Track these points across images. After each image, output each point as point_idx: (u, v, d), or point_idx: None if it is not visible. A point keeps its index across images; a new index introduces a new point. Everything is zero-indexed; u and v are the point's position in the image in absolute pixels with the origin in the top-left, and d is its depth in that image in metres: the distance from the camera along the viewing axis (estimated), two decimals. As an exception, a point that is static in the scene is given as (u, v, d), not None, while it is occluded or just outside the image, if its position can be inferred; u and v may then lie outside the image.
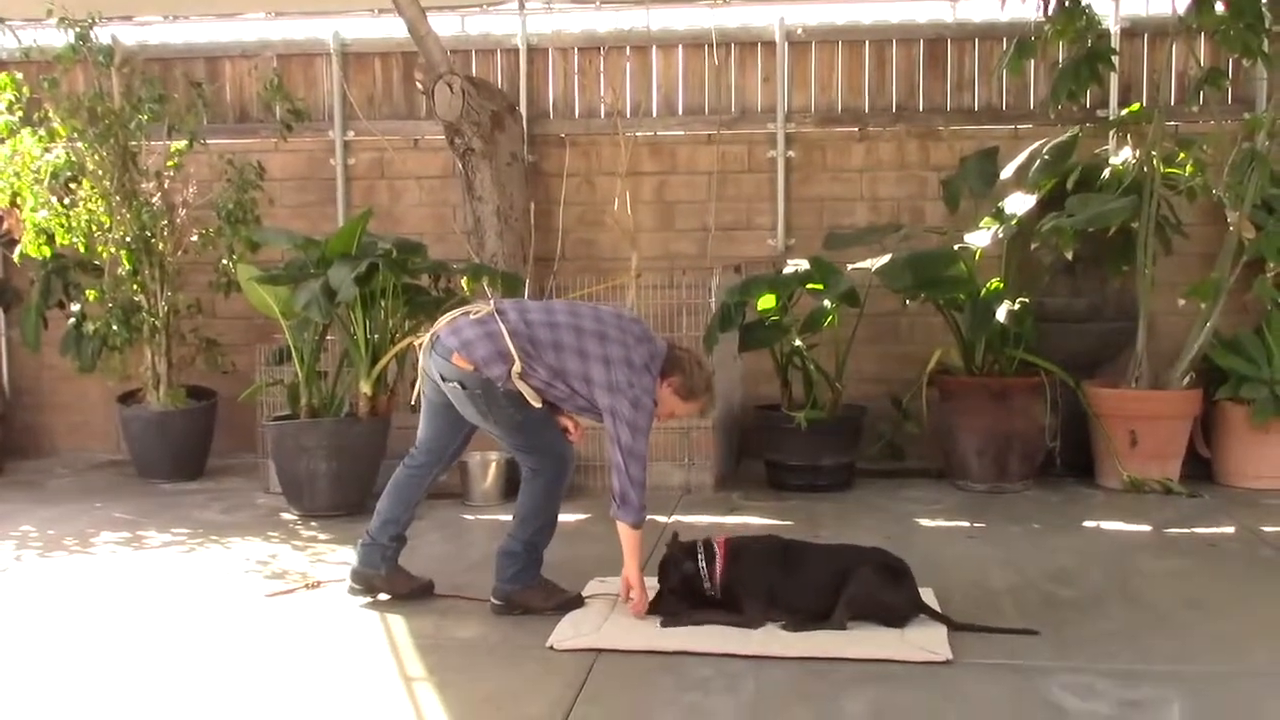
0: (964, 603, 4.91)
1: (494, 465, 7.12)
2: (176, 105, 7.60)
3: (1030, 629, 4.59)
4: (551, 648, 4.52)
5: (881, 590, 4.65)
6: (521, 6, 8.23)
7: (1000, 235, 7.11)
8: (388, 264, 6.46)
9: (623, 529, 4.76)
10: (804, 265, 7.05)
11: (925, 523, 6.53)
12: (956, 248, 7.06)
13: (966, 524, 6.48)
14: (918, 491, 7.23)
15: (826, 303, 7.05)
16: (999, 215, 7.15)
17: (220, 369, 8.05)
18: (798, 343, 7.16)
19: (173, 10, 8.47)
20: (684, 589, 4.79)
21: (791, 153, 8.20)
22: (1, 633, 4.85)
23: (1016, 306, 6.91)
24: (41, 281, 7.82)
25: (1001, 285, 7.15)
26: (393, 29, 8.04)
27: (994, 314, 6.85)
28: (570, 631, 4.66)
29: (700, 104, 8.30)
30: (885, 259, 6.96)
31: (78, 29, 7.44)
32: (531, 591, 4.99)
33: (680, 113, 8.32)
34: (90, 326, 7.59)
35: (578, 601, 5.00)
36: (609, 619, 4.81)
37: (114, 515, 6.91)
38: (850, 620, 4.59)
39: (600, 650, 4.47)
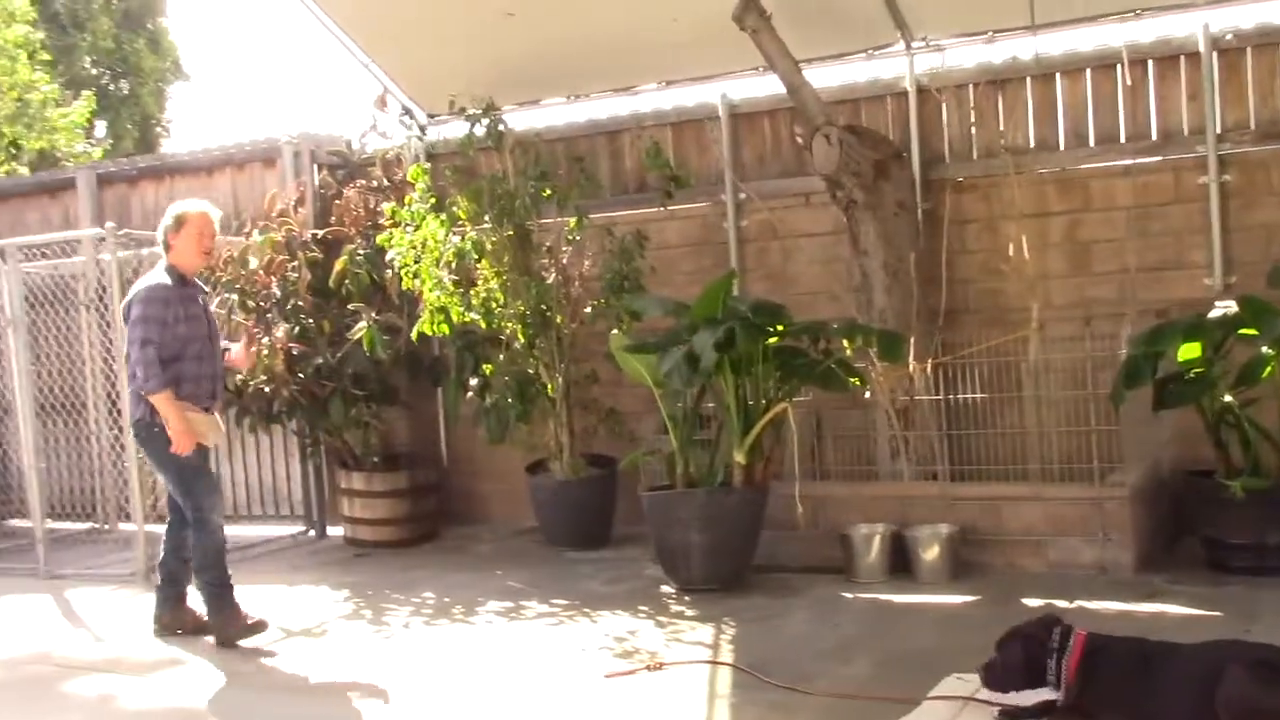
0: None
1: (878, 537, 6.61)
2: (562, 181, 7.80)
3: None
4: (874, 756, 4.02)
5: (1261, 692, 3.72)
6: (908, 47, 7.73)
7: None
8: (743, 328, 6.19)
9: (155, 399, 5.87)
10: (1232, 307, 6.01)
11: (1400, 618, 5.28)
12: None
13: None
14: (1401, 576, 5.88)
15: (1265, 349, 5.95)
16: None
17: (625, 438, 8.10)
18: (1228, 398, 6.09)
19: (573, 90, 8.78)
20: (1023, 669, 4.13)
21: (1227, 176, 7.07)
22: (328, 697, 5.05)
23: None
24: (456, 356, 8.28)
25: None
26: (779, 85, 7.80)
27: None
28: (899, 738, 4.13)
29: (1114, 131, 7.37)
30: (1339, 295, 5.78)
31: (476, 119, 7.86)
32: (174, 613, 6.22)
33: (1092, 143, 7.44)
34: (489, 400, 7.91)
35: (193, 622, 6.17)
36: (949, 725, 4.21)
37: (508, 584, 7.10)
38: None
39: (927, 762, 3.92)
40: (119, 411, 7.56)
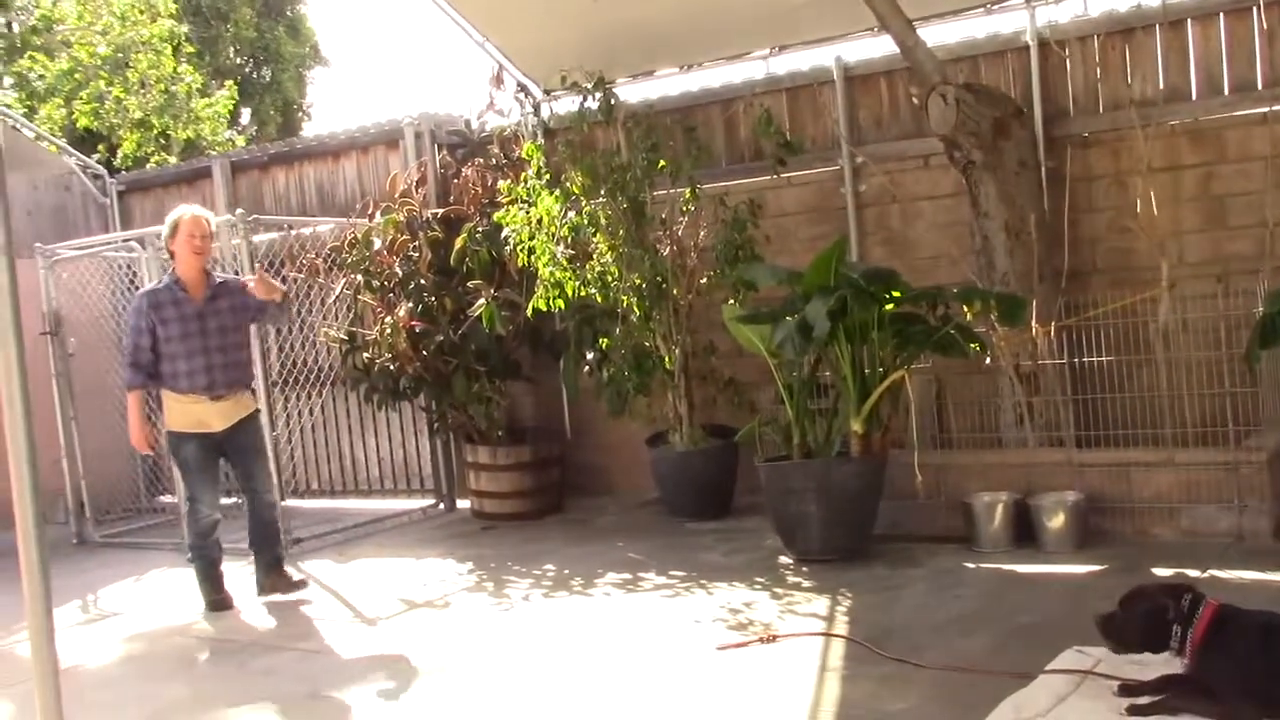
0: None
1: (1001, 506, 6.46)
2: (675, 152, 7.76)
3: None
4: (983, 732, 3.93)
5: None
6: (1028, 0, 7.46)
7: None
8: (855, 295, 6.08)
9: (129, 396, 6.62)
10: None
11: None
12: None
13: None
14: None
15: None
16: None
17: (745, 408, 8.04)
18: (1374, 357, 5.77)
19: (685, 60, 8.72)
20: (1143, 630, 4.03)
21: (1378, 121, 6.67)
22: (447, 670, 5.15)
23: None
24: (575, 330, 8.32)
25: None
26: (895, 45, 7.62)
27: None
28: (1010, 714, 4.04)
29: (1250, 78, 7.00)
30: None
31: (589, 93, 7.88)
32: (271, 578, 6.78)
33: (1226, 92, 7.07)
34: (606, 373, 7.94)
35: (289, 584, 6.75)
36: (1065, 701, 4.09)
37: (628, 556, 7.14)
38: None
39: (1038, 739, 3.82)
40: (253, 391, 7.81)
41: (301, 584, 6.82)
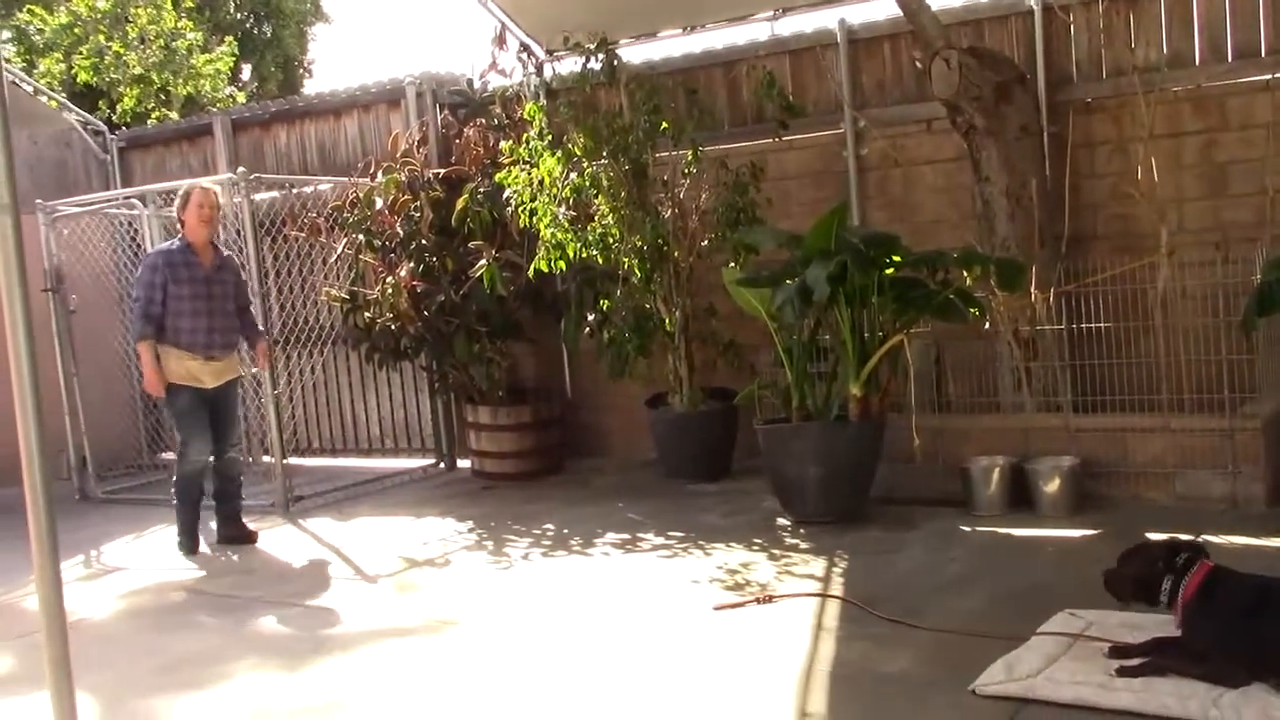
0: None
1: (998, 470, 6.51)
2: (677, 115, 7.75)
3: None
4: (973, 692, 3.99)
5: None
6: (1032, -37, 7.44)
7: None
8: (855, 260, 6.10)
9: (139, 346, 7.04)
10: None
11: None
12: None
13: None
14: None
15: None
16: None
17: (745, 371, 8.07)
18: (1371, 325, 5.80)
19: (689, 21, 8.69)
20: (1135, 581, 4.17)
21: (1381, 89, 6.66)
22: (447, 627, 5.21)
23: None
24: (576, 291, 8.34)
25: None
26: (898, 8, 7.59)
27: None
28: (1001, 675, 4.09)
29: (1254, 44, 6.99)
30: None
31: (591, 54, 7.85)
32: (229, 528, 7.33)
33: (1230, 58, 7.06)
34: (607, 334, 7.97)
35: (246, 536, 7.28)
36: (1056, 663, 4.15)
37: (627, 517, 7.20)
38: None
39: (1028, 700, 3.87)
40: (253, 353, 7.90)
41: (254, 536, 7.34)
